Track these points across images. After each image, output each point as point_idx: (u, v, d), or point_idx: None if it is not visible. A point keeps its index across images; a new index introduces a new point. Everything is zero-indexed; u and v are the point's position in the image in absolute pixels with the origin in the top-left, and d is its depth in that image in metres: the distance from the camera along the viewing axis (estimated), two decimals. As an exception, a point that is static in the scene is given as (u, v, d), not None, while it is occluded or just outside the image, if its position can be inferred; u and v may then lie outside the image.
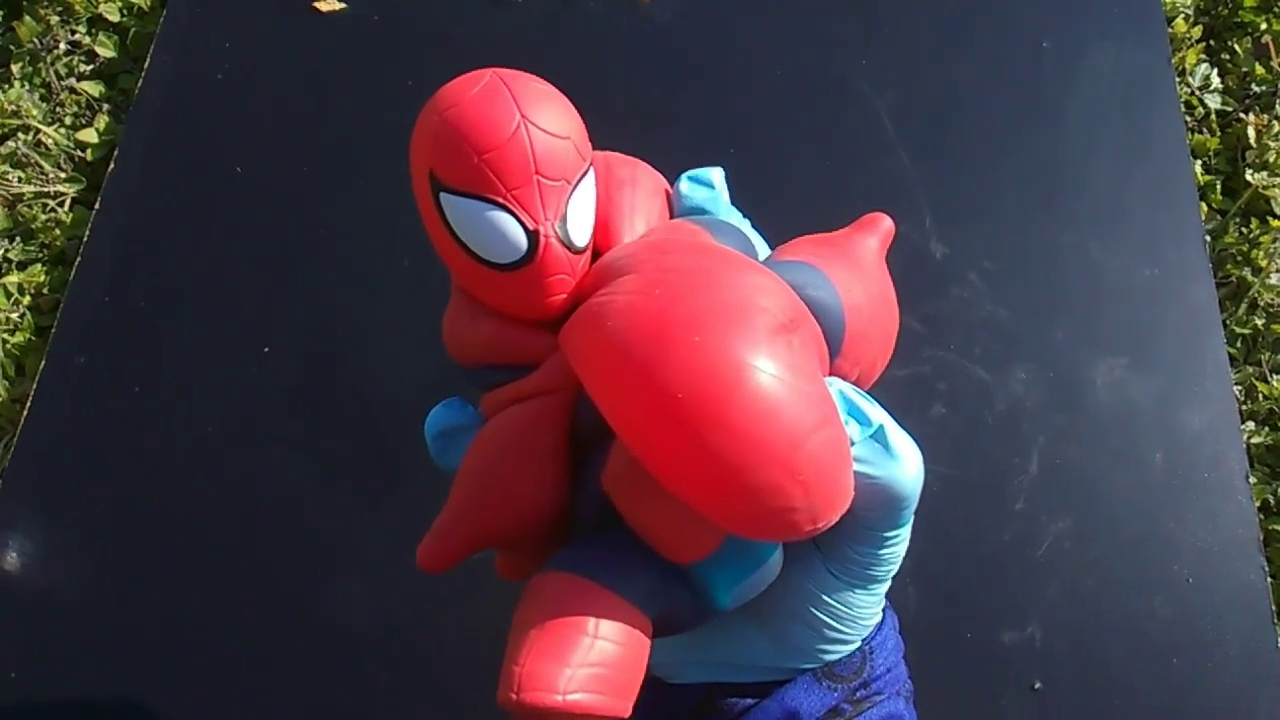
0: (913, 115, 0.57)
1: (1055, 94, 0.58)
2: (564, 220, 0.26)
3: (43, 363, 0.52)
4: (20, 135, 0.60)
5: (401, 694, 0.45)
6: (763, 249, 0.31)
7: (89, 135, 0.60)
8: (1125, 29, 0.60)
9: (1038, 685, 0.45)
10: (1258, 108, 0.61)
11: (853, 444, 0.25)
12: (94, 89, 0.61)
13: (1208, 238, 0.56)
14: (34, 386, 0.52)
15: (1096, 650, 0.45)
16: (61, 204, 0.58)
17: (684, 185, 0.31)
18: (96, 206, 0.56)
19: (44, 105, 0.61)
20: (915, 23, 0.60)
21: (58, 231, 0.57)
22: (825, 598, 0.28)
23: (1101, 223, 0.54)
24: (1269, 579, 0.47)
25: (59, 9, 0.63)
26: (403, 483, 0.49)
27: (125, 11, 0.63)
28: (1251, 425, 0.53)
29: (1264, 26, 0.63)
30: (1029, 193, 0.55)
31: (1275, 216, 0.57)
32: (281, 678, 0.45)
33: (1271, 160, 0.59)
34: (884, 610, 0.30)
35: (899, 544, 0.28)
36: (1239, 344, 0.55)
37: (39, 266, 0.56)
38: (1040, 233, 0.54)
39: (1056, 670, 0.45)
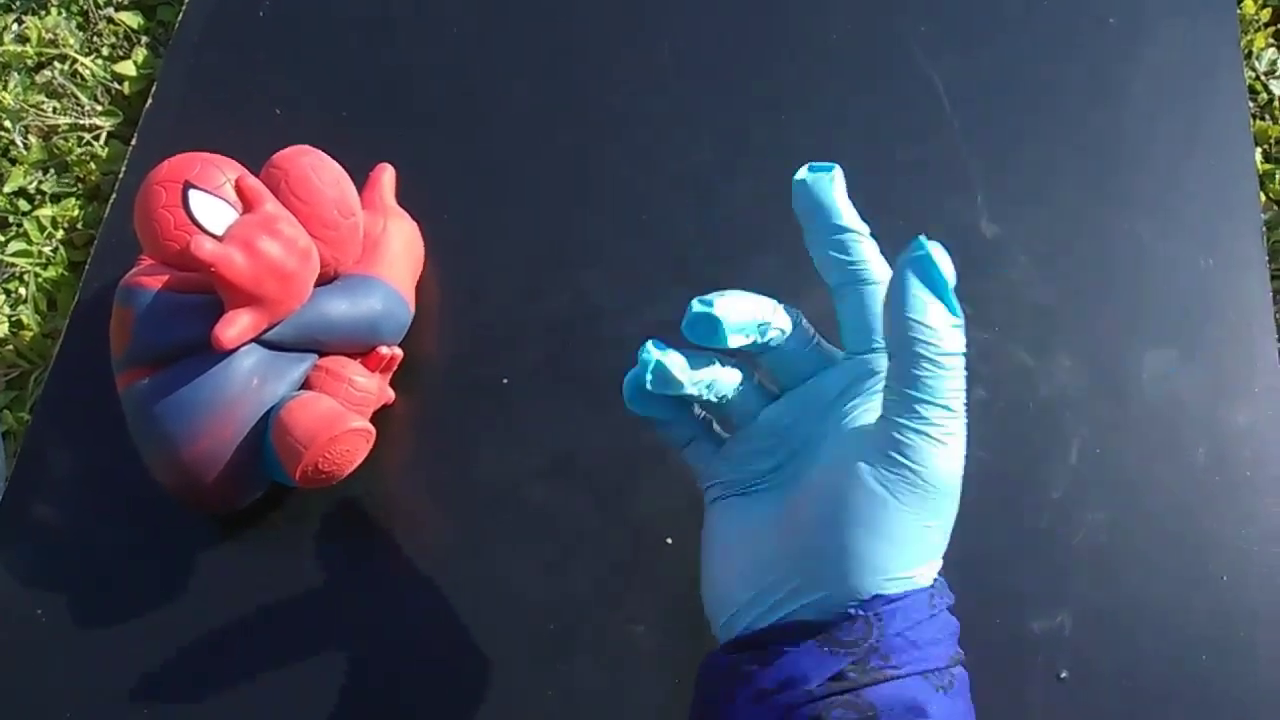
0: (969, 87, 0.55)
1: (1118, 71, 0.56)
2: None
3: (75, 298, 0.52)
4: (57, 64, 0.59)
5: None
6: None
7: (127, 68, 0.59)
8: (1194, 7, 0.58)
9: (1064, 675, 0.44)
10: (1324, 95, 0.59)
11: None
12: (132, 20, 0.60)
13: (1264, 229, 0.55)
14: (66, 323, 0.51)
15: (1126, 643, 0.45)
16: (97, 137, 0.57)
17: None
18: (133, 143, 0.55)
19: (81, 34, 0.60)
20: (976, -10, 0.58)
21: (93, 165, 0.56)
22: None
23: (1157, 209, 0.53)
24: (1306, 581, 0.46)
25: (98, -64, 0.62)
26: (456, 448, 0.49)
27: (166, -59, 0.62)
28: (1296, 424, 0.52)
29: (1336, 11, 0.61)
30: (1084, 173, 0.54)
31: (1334, 210, 0.56)
32: (316, 635, 0.46)
33: (1334, 151, 0.57)
34: (928, 590, 0.30)
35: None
36: (1290, 341, 0.54)
37: (73, 200, 0.56)
38: (1093, 216, 0.53)
39: (1084, 661, 0.45)
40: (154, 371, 0.42)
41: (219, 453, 0.42)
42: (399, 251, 0.48)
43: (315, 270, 0.43)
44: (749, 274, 0.52)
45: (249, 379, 0.42)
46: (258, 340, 0.42)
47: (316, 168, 0.43)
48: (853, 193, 0.53)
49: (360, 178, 0.49)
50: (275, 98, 0.56)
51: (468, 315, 0.51)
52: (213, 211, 0.42)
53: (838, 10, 0.58)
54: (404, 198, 0.51)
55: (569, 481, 0.48)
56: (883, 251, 0.36)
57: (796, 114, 0.55)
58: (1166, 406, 0.49)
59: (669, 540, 0.46)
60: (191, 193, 0.42)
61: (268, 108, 0.55)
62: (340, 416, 0.41)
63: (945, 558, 0.46)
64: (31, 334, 0.53)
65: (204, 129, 0.54)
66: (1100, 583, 0.46)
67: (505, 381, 0.49)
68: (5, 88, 0.57)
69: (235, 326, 0.40)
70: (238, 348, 0.41)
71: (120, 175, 0.54)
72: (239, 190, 0.41)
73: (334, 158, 0.45)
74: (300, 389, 0.44)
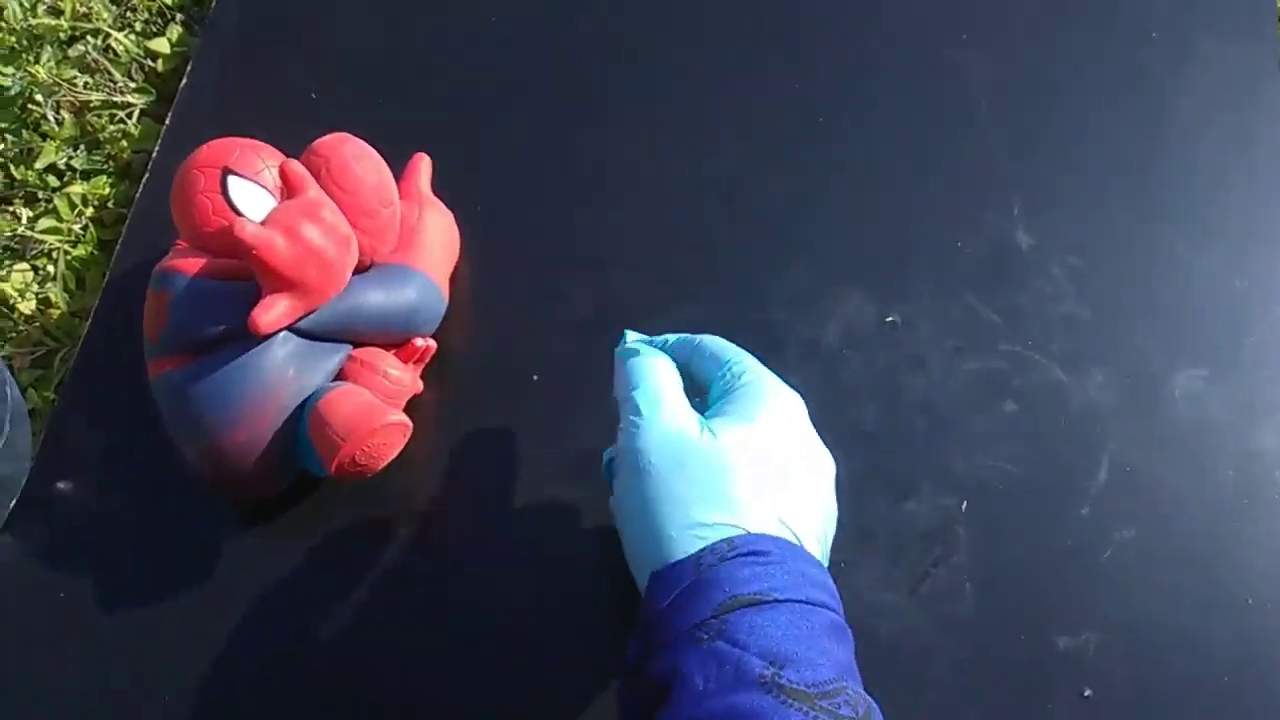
0: (1007, 98, 0.55)
1: (1158, 86, 0.56)
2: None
3: (105, 278, 0.52)
4: (90, 39, 0.59)
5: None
6: None
7: (160, 45, 0.58)
8: (1236, 24, 0.57)
9: (1088, 693, 0.44)
10: (1364, 117, 0.59)
11: None
12: (167, -4, 0.60)
13: (1299, 250, 0.54)
14: (95, 302, 0.51)
15: (1150, 663, 0.45)
16: (130, 115, 0.57)
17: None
18: (166, 123, 0.54)
19: (114, 8, 0.60)
20: (1019, -1, 0.58)
21: (124, 143, 0.56)
22: None
23: (1194, 226, 0.52)
24: (1331, 607, 0.46)
25: (135, -90, 0.61)
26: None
27: (202, -82, 0.62)
28: (1325, 448, 0.52)
29: (1379, 31, 0.61)
30: (1122, 187, 0.53)
31: (1371, 233, 0.56)
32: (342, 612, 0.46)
33: (1373, 174, 0.57)
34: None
35: None
36: (1320, 363, 0.54)
37: (104, 178, 0.55)
38: (1130, 231, 0.52)
39: (1108, 680, 0.44)
40: (190, 358, 0.42)
41: (255, 442, 0.42)
42: (435, 241, 0.48)
43: (354, 258, 0.42)
44: (777, 276, 0.51)
45: (285, 369, 0.42)
46: (293, 330, 0.42)
47: (358, 156, 0.43)
48: (887, 198, 0.53)
49: (394, 165, 0.49)
50: (310, 80, 0.55)
51: (499, 309, 0.51)
52: (251, 198, 0.42)
53: (875, 14, 0.57)
54: (438, 188, 0.51)
55: (595, 479, 0.47)
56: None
57: (830, 118, 0.55)
58: (1197, 426, 0.49)
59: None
60: (230, 179, 0.42)
61: (303, 90, 0.55)
62: (380, 410, 0.41)
63: (972, 572, 0.46)
64: (59, 312, 0.53)
65: (238, 110, 0.54)
66: (1126, 602, 0.46)
67: (535, 378, 0.49)
68: (38, 61, 0.56)
69: (272, 312, 0.40)
70: (273, 334, 0.41)
71: (153, 155, 0.54)
72: (283, 175, 0.41)
73: (368, 144, 0.45)
74: (334, 380, 0.43)
